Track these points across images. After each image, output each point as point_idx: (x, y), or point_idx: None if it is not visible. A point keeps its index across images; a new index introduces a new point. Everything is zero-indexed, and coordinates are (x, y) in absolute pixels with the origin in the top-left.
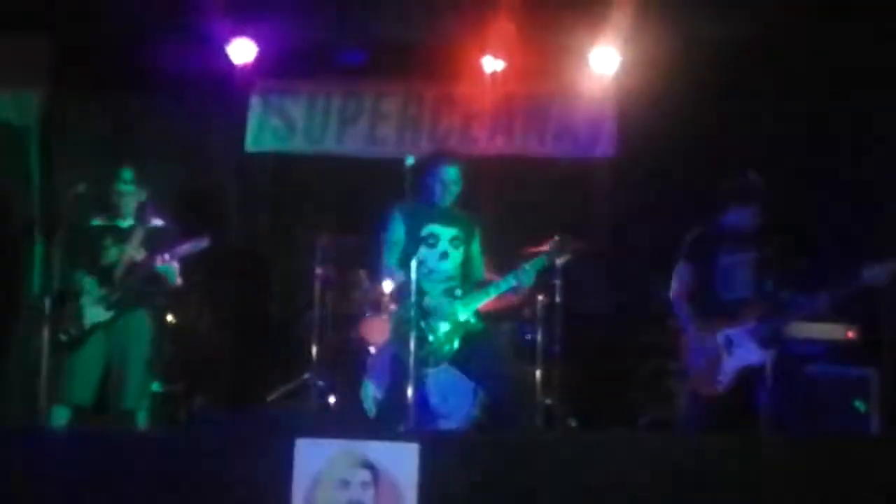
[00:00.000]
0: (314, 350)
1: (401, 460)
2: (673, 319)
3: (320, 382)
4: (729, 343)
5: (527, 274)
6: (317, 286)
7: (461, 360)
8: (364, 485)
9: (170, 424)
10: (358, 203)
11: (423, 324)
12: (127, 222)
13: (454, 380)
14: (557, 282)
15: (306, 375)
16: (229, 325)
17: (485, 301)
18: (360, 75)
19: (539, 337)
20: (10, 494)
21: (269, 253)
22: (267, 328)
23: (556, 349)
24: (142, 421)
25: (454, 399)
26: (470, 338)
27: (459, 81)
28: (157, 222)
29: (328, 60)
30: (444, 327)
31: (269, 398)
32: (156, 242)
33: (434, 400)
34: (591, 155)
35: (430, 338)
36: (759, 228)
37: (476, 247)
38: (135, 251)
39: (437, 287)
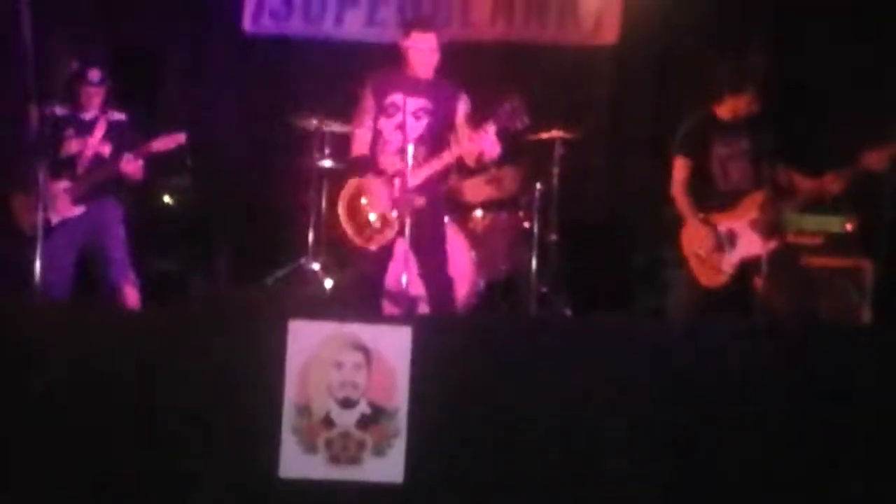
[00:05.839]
0: (310, 235)
1: (393, 343)
2: (671, 208)
3: (315, 267)
4: (732, 235)
5: (481, 141)
6: (313, 171)
7: (411, 239)
8: (357, 366)
9: (165, 304)
10: (360, 86)
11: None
12: (90, 114)
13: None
14: (555, 170)
15: (302, 260)
16: (226, 208)
17: (432, 170)
18: None
19: (535, 225)
20: (8, 366)
21: (266, 137)
22: (263, 212)
23: (551, 237)
24: (131, 296)
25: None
26: (417, 216)
27: None
28: (120, 116)
29: None
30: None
31: (265, 281)
32: (118, 136)
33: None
34: (594, 41)
35: (372, 218)
36: (755, 115)
37: (459, 120)
38: (98, 144)
39: (390, 159)
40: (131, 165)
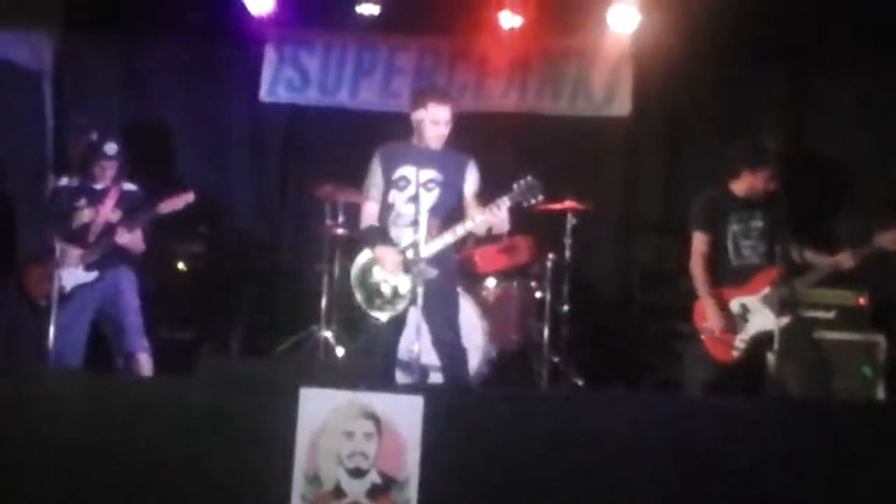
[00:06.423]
0: (323, 303)
1: (405, 412)
2: (684, 281)
3: (327, 335)
4: (745, 310)
5: (493, 216)
6: (326, 239)
7: (424, 308)
8: (367, 436)
9: (176, 371)
10: (370, 157)
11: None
12: (102, 184)
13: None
14: (568, 240)
15: (314, 327)
16: (240, 275)
17: (444, 243)
18: (375, 28)
19: (548, 295)
20: (20, 434)
21: (281, 205)
22: (277, 279)
23: (563, 308)
24: (145, 364)
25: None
26: (429, 285)
27: (476, 36)
28: (132, 187)
29: (344, 12)
30: (402, 276)
31: (278, 349)
32: (128, 206)
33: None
34: (606, 114)
35: (384, 288)
36: (770, 192)
37: (468, 188)
38: (109, 213)
39: (403, 232)
40: (126, 237)
